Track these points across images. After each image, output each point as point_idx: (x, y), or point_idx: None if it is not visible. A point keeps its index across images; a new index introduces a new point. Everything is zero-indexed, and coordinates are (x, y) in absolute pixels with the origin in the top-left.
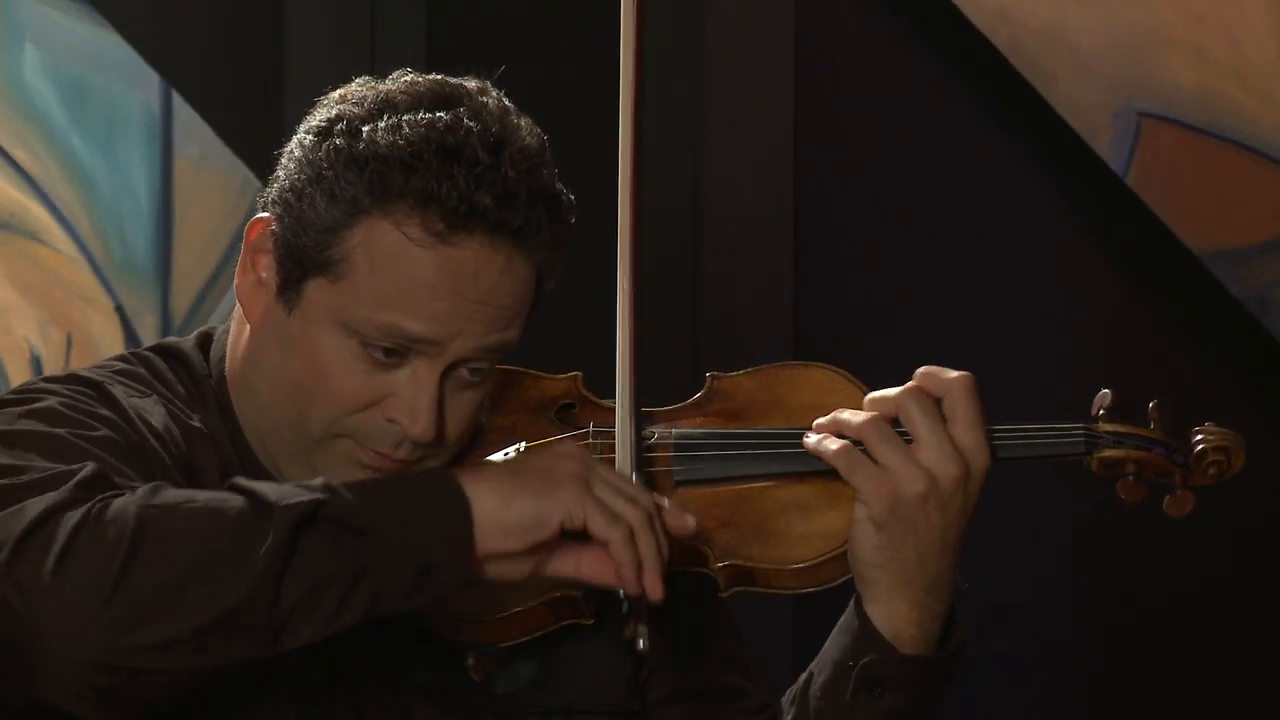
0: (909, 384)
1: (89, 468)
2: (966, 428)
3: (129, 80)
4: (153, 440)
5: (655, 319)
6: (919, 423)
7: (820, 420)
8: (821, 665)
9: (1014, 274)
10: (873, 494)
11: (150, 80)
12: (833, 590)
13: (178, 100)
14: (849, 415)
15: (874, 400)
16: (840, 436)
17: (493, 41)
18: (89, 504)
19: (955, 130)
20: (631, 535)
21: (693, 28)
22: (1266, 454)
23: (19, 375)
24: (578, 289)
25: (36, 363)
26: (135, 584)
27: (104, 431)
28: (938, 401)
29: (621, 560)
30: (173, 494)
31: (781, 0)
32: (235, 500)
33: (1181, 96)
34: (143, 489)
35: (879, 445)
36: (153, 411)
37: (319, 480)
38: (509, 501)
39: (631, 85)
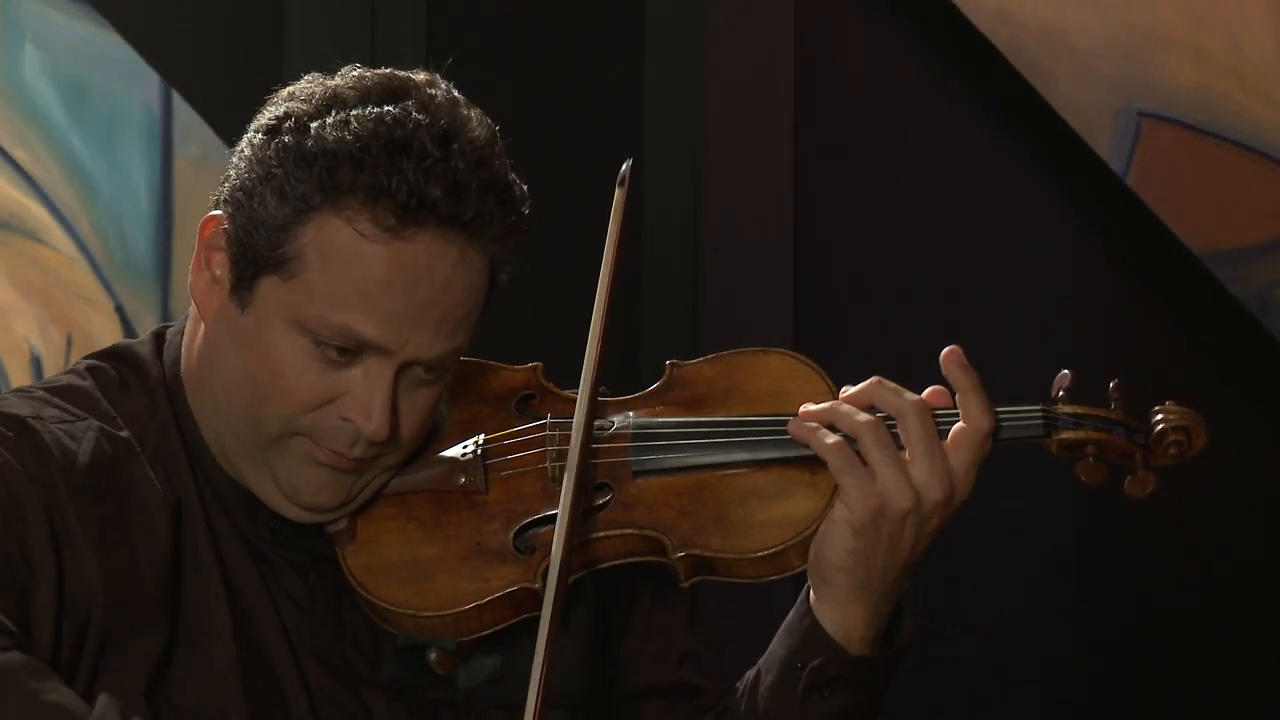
0: (918, 396)
1: None
2: (963, 459)
3: (129, 80)
4: (60, 474)
5: (654, 319)
6: (917, 438)
7: (813, 407)
8: (769, 665)
9: (1014, 274)
10: (859, 501)
11: (150, 80)
12: None
13: (178, 100)
14: (847, 410)
15: (877, 392)
16: (834, 429)
17: (493, 41)
18: None
19: (955, 130)
20: None
21: (693, 28)
22: (1266, 454)
23: (19, 375)
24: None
25: (36, 363)
26: None
27: None
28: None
29: None
30: (32, 679)
31: (781, 0)
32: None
33: (1181, 96)
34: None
35: (874, 451)
36: (81, 439)
37: None
38: None
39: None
